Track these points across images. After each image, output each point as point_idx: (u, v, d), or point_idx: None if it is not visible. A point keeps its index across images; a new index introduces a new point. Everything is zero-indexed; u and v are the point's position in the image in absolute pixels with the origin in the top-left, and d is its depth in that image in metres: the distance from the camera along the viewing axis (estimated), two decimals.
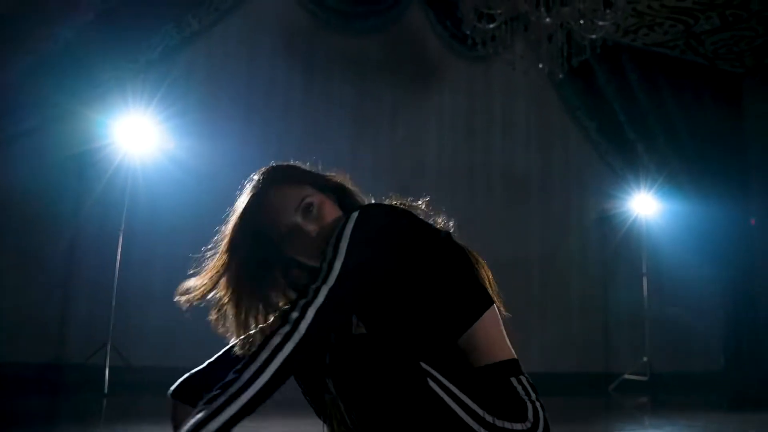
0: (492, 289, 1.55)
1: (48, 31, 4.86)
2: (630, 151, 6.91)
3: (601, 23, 4.23)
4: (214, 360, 1.60)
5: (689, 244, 6.69)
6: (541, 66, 4.89)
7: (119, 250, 4.57)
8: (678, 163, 6.98)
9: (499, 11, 4.18)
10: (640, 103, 7.02)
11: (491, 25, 4.31)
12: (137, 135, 4.72)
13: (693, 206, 6.66)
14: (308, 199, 1.50)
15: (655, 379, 5.75)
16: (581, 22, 4.17)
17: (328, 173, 1.66)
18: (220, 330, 1.52)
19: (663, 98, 7.18)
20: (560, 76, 6.13)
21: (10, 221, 4.75)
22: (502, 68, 5.95)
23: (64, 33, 4.88)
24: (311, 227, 1.48)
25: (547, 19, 4.09)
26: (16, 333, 4.58)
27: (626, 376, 5.81)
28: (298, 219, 1.48)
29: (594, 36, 4.36)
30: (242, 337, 1.49)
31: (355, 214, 1.41)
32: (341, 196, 1.61)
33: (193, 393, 1.49)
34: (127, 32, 5.14)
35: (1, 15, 4.74)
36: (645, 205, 6.35)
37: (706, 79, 7.55)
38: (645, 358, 5.84)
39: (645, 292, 6.09)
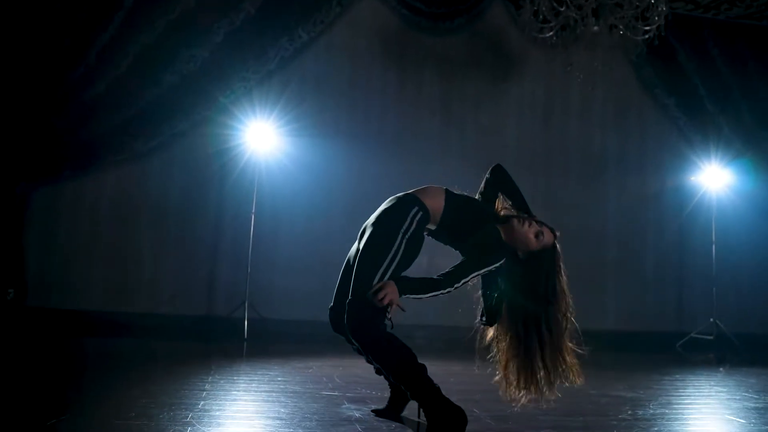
0: None
1: (188, 53, 6.07)
2: (710, 124, 7.18)
3: (646, 27, 4.74)
4: None
5: (763, 214, 6.99)
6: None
7: (252, 228, 5.79)
8: (761, 134, 7.19)
9: (551, 24, 4.80)
10: (722, 76, 7.23)
11: (549, 34, 4.95)
12: (262, 136, 5.88)
13: None
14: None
15: (720, 339, 6.25)
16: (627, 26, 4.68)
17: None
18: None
19: (748, 70, 7.33)
20: (635, 57, 6.65)
21: (169, 206, 6.10)
22: (581, 54, 6.44)
23: (201, 53, 6.09)
24: None
25: (595, 27, 4.67)
26: (176, 293, 5.98)
27: (693, 335, 6.34)
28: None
29: (644, 36, 4.87)
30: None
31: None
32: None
33: None
34: (250, 47, 6.25)
35: (150, 43, 5.98)
36: (719, 177, 6.71)
37: None
38: (711, 319, 6.34)
39: (714, 259, 6.54)
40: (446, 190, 2.59)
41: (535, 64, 6.92)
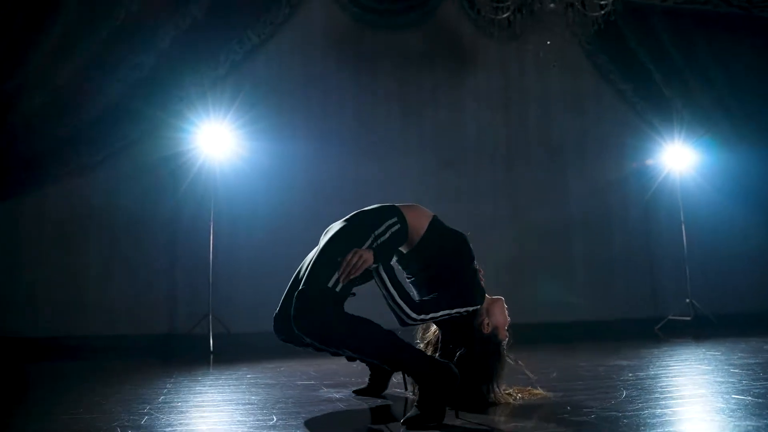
0: None
1: (134, 60, 5.82)
2: (667, 108, 7.23)
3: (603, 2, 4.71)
4: None
5: (728, 192, 7.03)
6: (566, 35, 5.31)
7: (211, 237, 5.51)
8: (717, 115, 7.27)
9: (508, 2, 4.74)
10: (674, 60, 7.32)
11: (504, 15, 4.88)
12: (216, 141, 5.63)
13: (732, 156, 6.97)
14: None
15: (699, 320, 6.18)
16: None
17: None
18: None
19: (698, 53, 7.44)
20: (588, 44, 6.68)
21: (119, 219, 5.78)
22: (535, 44, 6.43)
23: (148, 60, 5.84)
24: None
25: (552, 5, 4.62)
26: (132, 311, 5.62)
27: (671, 317, 6.26)
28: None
29: (600, 12, 4.84)
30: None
31: None
32: None
33: None
34: (198, 53, 6.04)
35: (93, 50, 5.72)
36: (681, 158, 6.73)
37: (743, 29, 7.72)
38: (687, 300, 6.28)
39: (684, 239, 6.51)
40: (435, 216, 2.48)
41: (491, 55, 6.93)
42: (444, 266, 2.33)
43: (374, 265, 2.17)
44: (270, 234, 5.91)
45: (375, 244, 2.22)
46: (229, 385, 2.89)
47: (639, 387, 2.52)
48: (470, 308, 2.29)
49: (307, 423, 1.99)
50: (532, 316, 5.99)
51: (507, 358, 2.36)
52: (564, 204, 6.88)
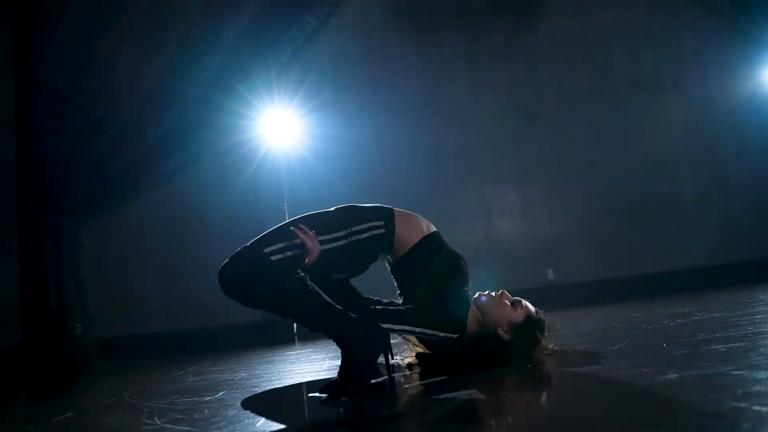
0: None
1: (203, 62, 6.09)
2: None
3: None
4: None
5: None
6: None
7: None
8: None
9: None
10: None
11: None
12: (283, 128, 5.77)
13: None
14: None
15: None
16: None
17: None
18: None
19: None
20: None
21: (212, 216, 6.10)
22: None
23: (216, 61, 6.09)
24: None
25: None
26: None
27: None
28: None
29: None
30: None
31: None
32: None
33: None
34: (261, 45, 6.20)
35: (165, 61, 6.05)
36: None
37: None
38: None
39: None
40: (435, 232, 2.30)
41: None
42: (426, 284, 2.15)
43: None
44: None
45: (348, 240, 2.11)
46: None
47: None
48: (440, 334, 2.11)
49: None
50: (638, 266, 5.64)
51: (545, 332, 2.19)
52: (665, 140, 6.34)
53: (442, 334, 2.10)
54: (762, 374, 1.42)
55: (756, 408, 1.14)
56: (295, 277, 2.00)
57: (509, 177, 6.33)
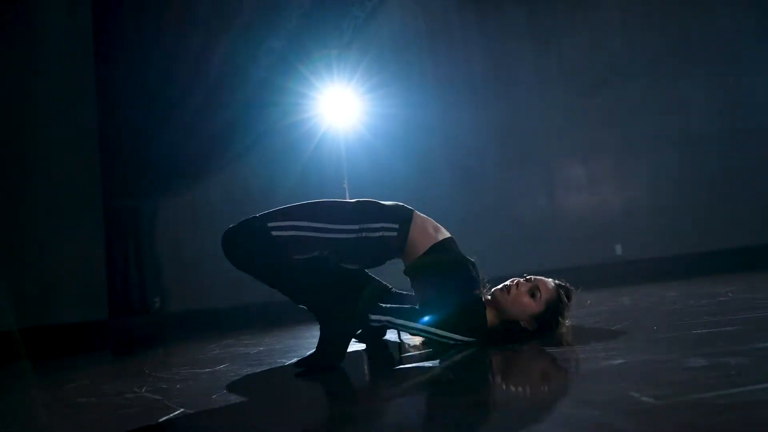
0: None
1: (268, 45, 6.28)
2: None
3: None
4: None
5: None
6: None
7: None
8: None
9: None
10: None
11: None
12: (345, 107, 5.85)
13: None
14: None
15: None
16: None
17: None
18: None
19: None
20: None
21: (277, 196, 6.32)
22: None
23: (279, 43, 6.25)
24: None
25: None
26: None
27: None
28: None
29: None
30: None
31: None
32: None
33: None
34: (322, 24, 6.30)
35: (234, 46, 6.29)
36: None
37: None
38: None
39: None
40: (448, 238, 2.29)
41: None
42: (433, 288, 2.15)
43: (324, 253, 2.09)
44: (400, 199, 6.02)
45: (358, 235, 2.11)
46: None
47: None
48: (458, 337, 2.08)
49: None
50: (710, 241, 5.33)
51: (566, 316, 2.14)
52: (741, 111, 5.89)
53: (459, 337, 2.08)
54: (700, 362, 1.34)
55: (644, 399, 1.09)
56: (291, 257, 2.05)
57: (575, 150, 6.12)
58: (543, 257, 5.97)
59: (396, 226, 2.19)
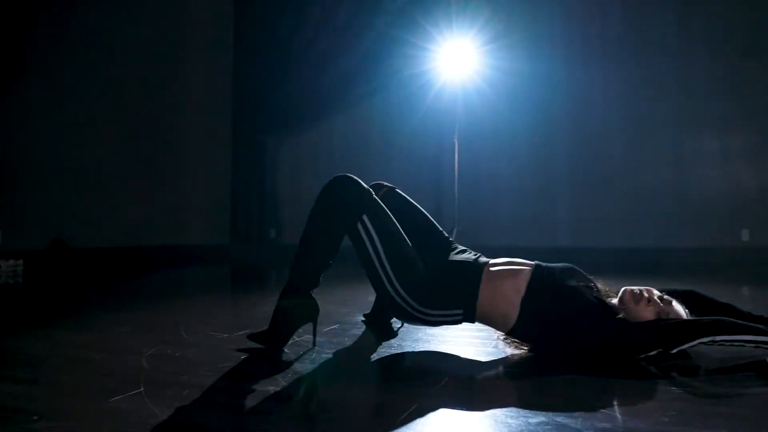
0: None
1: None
2: None
3: None
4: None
5: None
6: None
7: (456, 155, 5.83)
8: None
9: None
10: None
11: None
12: (460, 57, 5.79)
13: None
14: None
15: None
16: None
17: None
18: None
19: None
20: None
21: (394, 143, 6.48)
22: None
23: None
24: None
25: None
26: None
27: None
28: None
29: None
30: None
31: None
32: None
33: None
34: None
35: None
36: None
37: None
38: None
39: None
40: (533, 277, 1.86)
41: None
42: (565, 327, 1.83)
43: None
44: (512, 159, 5.96)
45: (417, 312, 1.92)
46: None
47: None
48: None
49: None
50: None
51: None
52: None
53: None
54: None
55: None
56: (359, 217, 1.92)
57: (711, 121, 5.69)
58: (659, 234, 5.72)
59: (459, 312, 1.91)
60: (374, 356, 1.91)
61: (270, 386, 1.51)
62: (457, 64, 5.82)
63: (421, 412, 1.30)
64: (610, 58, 5.90)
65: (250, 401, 1.41)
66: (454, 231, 5.71)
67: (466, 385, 1.62)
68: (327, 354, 1.90)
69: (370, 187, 2.10)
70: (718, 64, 5.64)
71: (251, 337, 1.96)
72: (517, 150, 6.14)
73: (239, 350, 1.91)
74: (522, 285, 1.84)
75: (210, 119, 6.93)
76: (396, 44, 6.24)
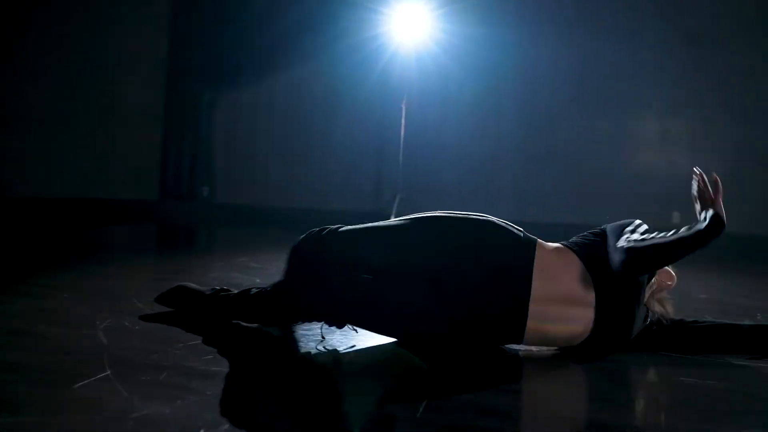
0: None
1: None
2: None
3: None
4: None
5: None
6: None
7: (403, 120, 5.70)
8: None
9: None
10: None
11: None
12: (414, 23, 5.62)
13: None
14: None
15: None
16: None
17: None
18: None
19: None
20: None
21: (337, 104, 6.27)
22: None
23: None
24: None
25: None
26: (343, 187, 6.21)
27: None
28: None
29: None
30: None
31: None
32: None
33: None
34: None
35: None
36: None
37: None
38: None
39: None
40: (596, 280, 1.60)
41: None
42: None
43: None
44: (461, 124, 5.90)
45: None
46: None
47: None
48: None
49: None
50: None
51: None
52: None
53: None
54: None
55: None
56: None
57: (654, 103, 5.81)
58: (598, 211, 5.79)
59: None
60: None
61: (255, 369, 1.36)
62: (410, 28, 5.65)
63: None
64: (562, 34, 5.88)
65: (238, 388, 1.26)
66: (397, 197, 5.61)
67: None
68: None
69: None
70: (665, 50, 5.73)
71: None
72: (465, 120, 6.08)
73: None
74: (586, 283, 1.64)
75: (144, 66, 6.47)
76: (345, 5, 5.99)
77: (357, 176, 6.27)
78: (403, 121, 5.72)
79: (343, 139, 6.28)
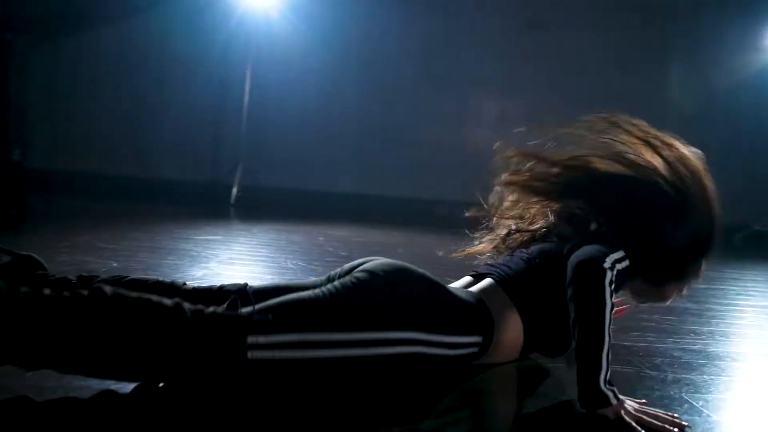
0: None
1: None
2: None
3: None
4: None
5: None
6: None
7: (247, 86, 5.44)
8: None
9: None
10: None
11: None
12: None
13: None
14: None
15: None
16: None
17: None
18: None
19: None
20: None
21: (169, 61, 5.82)
22: None
23: None
24: None
25: None
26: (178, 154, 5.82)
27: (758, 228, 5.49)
28: None
29: None
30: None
31: None
32: None
33: None
34: None
35: None
36: None
37: None
38: None
39: None
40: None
41: None
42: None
43: None
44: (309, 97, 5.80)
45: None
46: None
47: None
48: None
49: None
50: None
51: None
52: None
53: None
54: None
55: None
56: None
57: (494, 83, 6.07)
58: (436, 186, 5.96)
59: (477, 339, 1.47)
60: None
61: None
62: None
63: None
64: (411, 9, 5.93)
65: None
66: (239, 166, 5.37)
67: None
68: None
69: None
70: (505, 32, 6.00)
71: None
72: (310, 89, 5.94)
73: None
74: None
75: None
76: None
77: (194, 142, 5.90)
78: (247, 86, 5.46)
79: (179, 102, 5.87)
